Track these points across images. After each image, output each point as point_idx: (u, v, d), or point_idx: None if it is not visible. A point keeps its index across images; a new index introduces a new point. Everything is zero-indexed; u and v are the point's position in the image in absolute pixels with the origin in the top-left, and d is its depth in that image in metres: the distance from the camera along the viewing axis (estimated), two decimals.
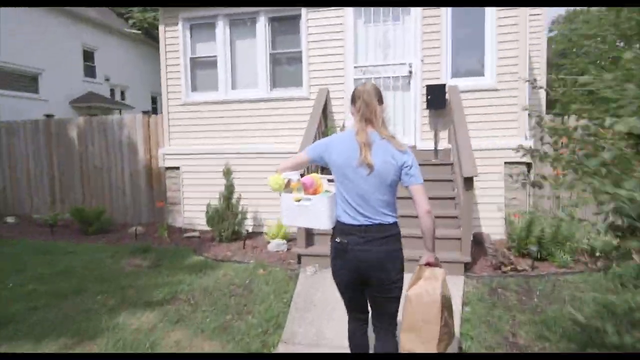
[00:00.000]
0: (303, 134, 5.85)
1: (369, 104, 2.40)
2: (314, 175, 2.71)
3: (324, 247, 5.26)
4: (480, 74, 6.44)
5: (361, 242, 2.34)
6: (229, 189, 6.46)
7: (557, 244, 5.09)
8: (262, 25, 6.97)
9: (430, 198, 2.42)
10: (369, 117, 2.40)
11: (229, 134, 7.20)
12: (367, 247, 2.33)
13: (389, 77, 6.59)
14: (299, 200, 2.57)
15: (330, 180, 2.61)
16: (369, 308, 2.58)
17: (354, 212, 2.37)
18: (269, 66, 7.06)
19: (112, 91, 19.67)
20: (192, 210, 7.39)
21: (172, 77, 7.40)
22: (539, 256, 5.05)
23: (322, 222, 2.48)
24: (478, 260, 5.17)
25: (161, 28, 7.37)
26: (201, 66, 7.47)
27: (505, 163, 6.28)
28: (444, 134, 6.49)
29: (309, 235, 5.36)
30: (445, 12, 6.32)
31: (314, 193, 2.59)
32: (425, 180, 2.47)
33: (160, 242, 6.59)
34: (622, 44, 2.75)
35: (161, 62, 7.43)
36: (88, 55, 18.01)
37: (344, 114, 6.74)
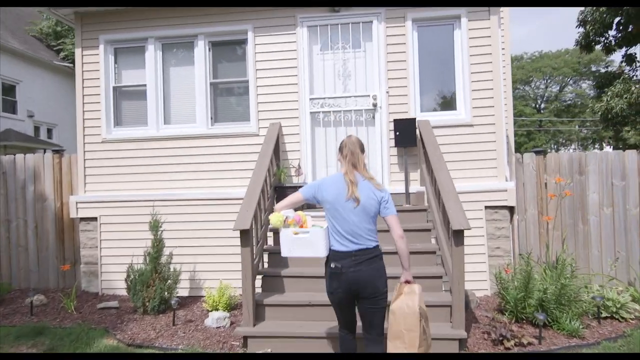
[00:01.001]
0: (250, 176, 4.75)
1: (353, 152, 2.95)
2: (299, 212, 3.05)
3: (278, 323, 4.07)
4: (452, 107, 5.73)
5: (353, 264, 2.81)
6: (157, 246, 5.15)
7: (561, 305, 4.23)
8: (201, 50, 5.94)
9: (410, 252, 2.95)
10: (354, 163, 2.94)
11: (160, 177, 5.95)
12: (358, 267, 2.80)
13: (350, 111, 5.72)
14: (297, 234, 2.93)
15: (313, 217, 3.08)
16: (358, 321, 3.00)
17: (345, 240, 2.84)
18: (209, 97, 5.99)
19: (36, 129, 17.65)
20: (113, 271, 5.94)
21: (91, 109, 6.12)
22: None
23: (319, 251, 2.89)
24: (469, 329, 4.20)
25: (78, 52, 6.14)
26: (128, 97, 6.27)
27: (486, 208, 5.48)
28: (414, 175, 5.63)
29: (259, 306, 4.16)
30: (412, 37, 5.62)
31: (301, 227, 2.97)
32: None
33: (65, 318, 5.09)
34: None
35: (77, 91, 6.14)
36: (8, 89, 16.08)
37: (299, 152, 5.75)
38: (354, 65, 5.81)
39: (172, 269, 5.26)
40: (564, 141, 41.81)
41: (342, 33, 5.77)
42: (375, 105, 5.64)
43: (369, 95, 5.68)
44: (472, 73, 5.54)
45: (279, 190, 5.31)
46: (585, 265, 5.44)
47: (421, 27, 5.68)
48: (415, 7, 5.57)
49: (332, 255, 2.89)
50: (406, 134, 5.41)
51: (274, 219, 2.92)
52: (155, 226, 5.19)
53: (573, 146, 42.00)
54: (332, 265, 2.85)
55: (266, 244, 4.91)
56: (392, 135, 5.56)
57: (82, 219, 6.11)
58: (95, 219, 6.05)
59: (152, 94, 6.03)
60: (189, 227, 5.81)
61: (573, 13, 65.88)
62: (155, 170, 5.96)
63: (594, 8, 10.88)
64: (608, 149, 32.56)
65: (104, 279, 6.02)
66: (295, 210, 3.02)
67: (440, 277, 4.31)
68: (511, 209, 5.52)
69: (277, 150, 5.56)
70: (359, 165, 2.93)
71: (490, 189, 5.45)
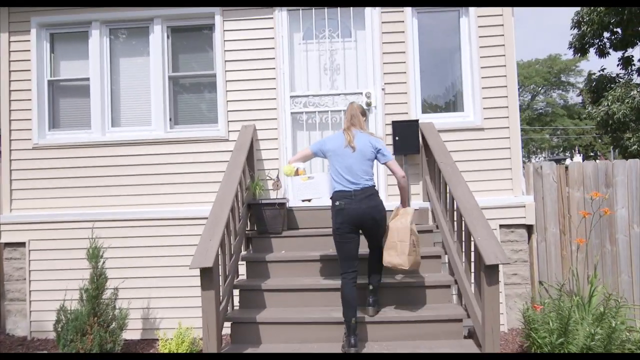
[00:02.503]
0: (217, 189, 3.73)
1: (353, 115, 3.50)
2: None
3: None
4: (459, 107, 4.87)
5: (354, 202, 3.22)
6: (97, 280, 4.03)
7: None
8: (158, 37, 4.89)
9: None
10: (353, 122, 3.47)
11: (106, 191, 4.84)
12: (358, 204, 3.22)
13: (339, 111, 4.78)
14: (305, 180, 3.49)
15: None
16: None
17: (345, 181, 3.28)
18: (168, 95, 4.94)
19: None
20: (45, 310, 4.75)
21: (19, 107, 4.96)
22: None
23: (323, 191, 3.46)
24: None
25: (4, 36, 4.98)
26: (67, 93, 5.14)
27: (501, 226, 4.62)
28: (416, 188, 4.72)
29: None
30: (411, 25, 4.74)
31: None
32: None
33: None
34: None
35: (2, 85, 4.96)
36: None
37: (277, 161, 4.75)
38: (343, 57, 4.88)
39: (117, 309, 4.15)
40: (534, 149, 42.28)
41: (329, 19, 4.84)
42: (369, 104, 4.72)
43: (361, 93, 4.76)
44: (482, 68, 4.71)
45: (254, 207, 4.30)
46: (613, 291, 4.63)
47: (422, 13, 4.82)
48: None
49: (336, 195, 3.30)
50: (407, 138, 4.52)
51: (286, 169, 3.55)
52: (94, 255, 4.07)
53: (543, 154, 42.52)
54: (337, 203, 3.27)
55: (237, 278, 3.88)
56: (389, 140, 4.65)
57: (6, 244, 4.90)
58: (23, 244, 4.86)
59: (96, 89, 4.92)
60: (142, 254, 4.72)
61: (541, 24, 67.57)
62: (99, 183, 4.84)
63: (592, 8, 10.41)
64: (578, 157, 32.90)
65: (34, 319, 4.82)
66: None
67: (460, 320, 3.38)
68: (529, 228, 4.68)
69: (251, 159, 4.55)
70: (358, 124, 3.47)
71: (506, 204, 4.60)
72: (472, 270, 3.42)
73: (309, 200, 3.57)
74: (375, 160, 3.42)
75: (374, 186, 3.35)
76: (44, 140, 4.94)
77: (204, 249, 2.98)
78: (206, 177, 4.75)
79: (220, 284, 3.33)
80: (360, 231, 3.35)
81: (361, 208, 3.20)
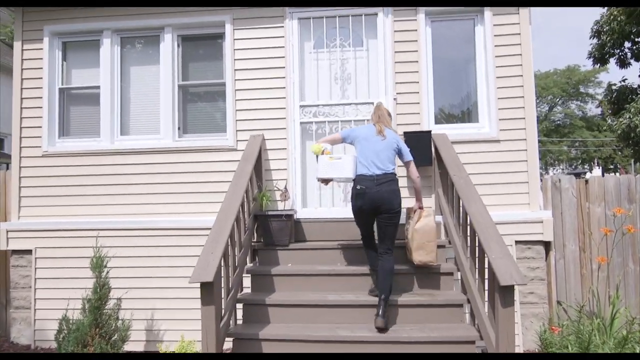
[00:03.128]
0: (223, 199, 3.65)
1: (381, 115, 3.72)
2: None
3: None
4: (473, 118, 4.72)
5: (374, 185, 3.40)
6: (100, 291, 3.96)
7: None
8: (168, 45, 4.87)
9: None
10: (382, 120, 3.68)
11: (113, 200, 4.80)
12: (378, 188, 3.39)
13: (349, 121, 4.67)
14: (332, 159, 3.62)
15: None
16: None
17: (372, 165, 3.46)
18: (177, 103, 4.90)
19: None
20: (49, 318, 4.70)
21: (30, 115, 4.97)
22: None
23: (348, 172, 3.55)
24: None
25: (17, 45, 5.02)
26: (78, 101, 5.15)
27: (517, 242, 4.43)
28: (428, 201, 4.56)
29: None
30: (424, 33, 4.63)
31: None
32: None
33: None
34: None
35: (14, 93, 4.99)
36: None
37: (286, 171, 4.66)
38: (354, 66, 4.79)
39: (120, 320, 4.07)
40: (552, 161, 41.50)
41: (340, 27, 4.76)
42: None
43: (372, 103, 4.63)
44: (497, 78, 4.56)
45: (261, 218, 4.20)
46: (637, 313, 4.39)
47: (436, 21, 4.71)
48: None
49: (358, 178, 3.48)
50: (419, 150, 4.36)
51: (314, 147, 3.72)
52: (98, 265, 4.00)
53: (561, 166, 41.74)
54: (358, 187, 3.45)
55: (241, 291, 3.77)
56: None
57: (13, 251, 4.89)
58: (29, 251, 4.84)
59: (106, 97, 4.91)
60: (147, 264, 4.65)
61: (559, 34, 66.82)
62: (107, 191, 4.80)
63: (612, 17, 10.14)
64: (597, 170, 32.12)
65: (39, 327, 4.78)
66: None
67: (473, 342, 3.21)
68: (546, 245, 4.48)
69: (259, 169, 4.47)
70: (386, 123, 3.68)
71: (522, 219, 4.42)
72: (486, 288, 3.25)
73: (326, 183, 3.75)
74: None
75: (395, 173, 3.53)
76: (53, 147, 4.94)
77: (205, 263, 2.88)
78: (214, 186, 4.67)
79: (223, 297, 3.22)
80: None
81: (380, 192, 3.38)
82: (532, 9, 4.61)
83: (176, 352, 3.90)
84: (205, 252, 2.98)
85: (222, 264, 3.19)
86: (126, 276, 4.56)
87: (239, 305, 3.66)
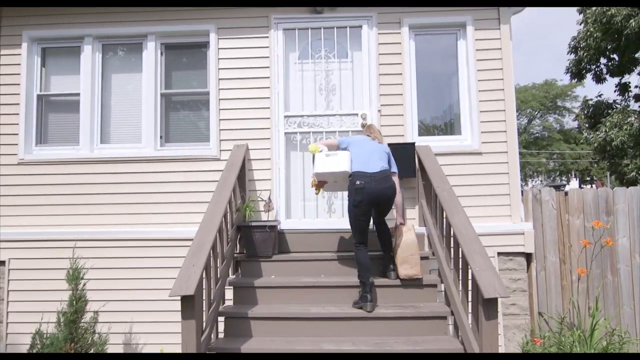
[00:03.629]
0: (205, 209, 3.59)
1: (374, 131, 3.99)
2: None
3: None
4: (456, 131, 4.78)
5: (372, 181, 3.56)
6: (76, 304, 3.84)
7: None
8: (151, 53, 4.81)
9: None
10: (374, 134, 3.94)
11: (91, 209, 4.68)
12: (375, 184, 3.56)
13: (334, 132, 4.68)
14: (327, 156, 3.77)
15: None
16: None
17: (367, 163, 3.63)
18: (160, 112, 4.83)
19: None
20: (23, 332, 4.52)
21: (6, 122, 4.83)
22: None
23: (344, 166, 3.67)
24: None
25: None
26: (56, 108, 5.02)
27: (499, 254, 4.48)
28: (411, 212, 4.59)
29: None
30: (408, 46, 4.69)
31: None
32: None
33: None
34: None
35: None
36: None
37: (270, 181, 4.62)
38: (339, 77, 4.81)
39: (96, 334, 3.95)
40: (531, 173, 42.35)
41: (325, 39, 4.78)
42: (364, 125, 4.61)
43: (356, 114, 4.67)
44: (480, 91, 4.64)
45: (244, 229, 4.14)
46: (616, 325, 4.46)
47: (420, 35, 4.77)
48: (413, 12, 4.68)
49: (356, 175, 3.60)
50: (403, 161, 4.38)
51: (312, 147, 3.87)
52: (74, 277, 3.89)
53: (540, 178, 42.62)
54: (357, 182, 3.56)
55: (223, 304, 3.69)
56: None
57: None
58: (3, 262, 4.67)
59: (86, 104, 4.81)
60: (126, 276, 4.53)
61: (535, 49, 68.70)
62: (84, 201, 4.68)
63: (588, 34, 10.46)
64: (575, 182, 32.89)
65: (10, 342, 4.59)
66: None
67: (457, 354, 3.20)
68: (528, 256, 4.54)
69: (243, 179, 4.42)
70: (378, 135, 3.93)
71: (504, 231, 4.47)
72: (470, 300, 3.25)
73: (322, 186, 3.90)
74: None
75: (389, 170, 3.72)
76: (30, 155, 4.80)
77: (186, 275, 2.81)
78: (196, 196, 4.60)
79: (204, 310, 3.15)
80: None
81: (378, 188, 3.55)
82: (513, 23, 4.72)
83: None
84: (187, 265, 2.92)
85: (204, 276, 3.12)
86: (104, 288, 4.44)
87: (221, 318, 3.59)
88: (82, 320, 3.89)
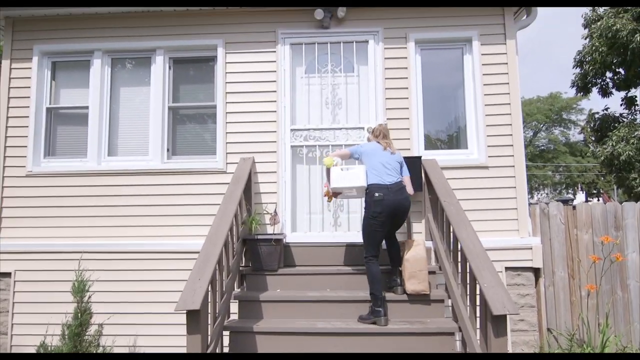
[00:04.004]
0: (212, 222, 3.58)
1: (385, 134, 3.95)
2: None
3: None
4: (462, 145, 4.78)
5: (389, 192, 3.61)
6: (81, 317, 3.82)
7: None
8: (159, 67, 4.86)
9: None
10: (385, 140, 3.90)
11: (98, 222, 4.69)
12: (394, 196, 3.61)
13: (340, 146, 4.68)
14: (343, 170, 3.79)
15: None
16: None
17: (384, 174, 3.67)
18: (167, 125, 4.87)
19: None
20: (27, 344, 4.52)
21: (16, 134, 4.88)
22: None
23: (361, 181, 3.71)
24: None
25: (5, 63, 4.96)
26: (65, 121, 5.07)
27: (507, 269, 4.43)
28: (418, 226, 4.57)
29: None
30: (414, 61, 4.72)
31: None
32: None
33: None
34: None
35: (0, 111, 4.91)
36: None
37: (275, 194, 4.63)
38: (345, 91, 4.83)
39: (101, 347, 3.93)
40: (537, 186, 42.11)
41: (331, 53, 4.82)
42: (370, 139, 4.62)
43: (362, 128, 4.68)
44: (486, 105, 4.64)
45: (250, 243, 4.13)
46: (627, 342, 4.39)
47: (425, 49, 4.80)
48: (419, 27, 4.71)
49: (373, 187, 3.64)
50: (410, 176, 4.38)
51: (327, 161, 3.86)
52: (80, 289, 3.88)
53: (546, 191, 42.36)
54: (376, 194, 3.59)
55: (228, 318, 3.67)
56: None
57: None
58: (9, 274, 4.68)
59: (94, 117, 4.85)
60: (131, 288, 4.53)
61: (540, 63, 68.87)
62: (91, 213, 4.70)
63: (594, 48, 10.49)
64: (581, 195, 32.64)
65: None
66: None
67: None
68: (536, 271, 4.49)
69: (249, 192, 4.43)
70: (389, 140, 3.93)
71: (511, 245, 4.43)
72: (477, 316, 3.21)
73: (335, 196, 3.95)
74: None
75: (402, 181, 3.76)
76: (38, 167, 4.84)
77: (192, 290, 2.80)
78: (202, 209, 4.61)
79: (209, 324, 3.13)
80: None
81: (397, 199, 3.60)
82: (519, 39, 4.74)
83: None
84: (192, 279, 2.91)
85: (210, 290, 3.11)
86: (109, 301, 4.43)
87: (226, 332, 3.55)
88: (87, 333, 3.87)
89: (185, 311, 2.72)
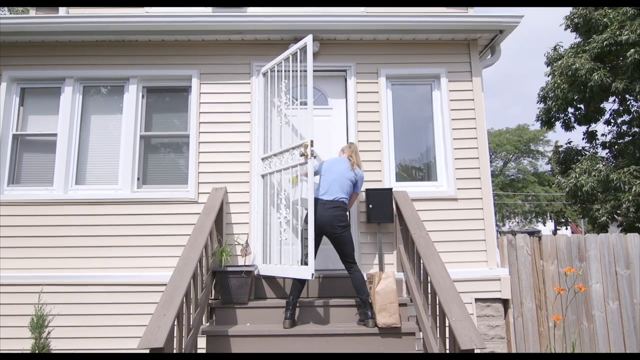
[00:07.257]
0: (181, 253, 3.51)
1: (354, 151, 4.20)
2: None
3: None
4: (432, 177, 4.89)
5: (321, 209, 3.84)
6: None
7: None
8: (132, 96, 4.84)
9: None
10: (350, 155, 4.16)
11: (64, 252, 4.53)
12: (323, 212, 3.83)
13: (294, 167, 4.69)
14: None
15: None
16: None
17: (325, 192, 3.91)
18: (138, 153, 4.81)
19: None
20: None
21: None
22: None
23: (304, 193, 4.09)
24: None
25: None
26: (32, 148, 4.95)
27: (476, 300, 4.48)
28: (389, 257, 4.60)
29: None
30: (386, 95, 4.86)
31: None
32: None
33: None
34: None
35: None
36: None
37: (247, 225, 4.59)
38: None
39: None
40: (508, 214, 43.10)
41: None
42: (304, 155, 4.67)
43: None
44: (454, 139, 4.79)
45: (219, 275, 4.06)
46: None
47: (396, 84, 4.96)
48: (389, 63, 4.88)
49: (315, 200, 3.87)
50: (381, 207, 4.45)
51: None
52: (39, 324, 3.71)
53: (517, 219, 43.34)
54: (309, 208, 3.79)
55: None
56: (363, 207, 4.58)
57: None
58: None
59: (63, 145, 4.76)
60: (95, 323, 4.34)
61: (514, 95, 71.81)
62: (55, 243, 4.54)
63: (556, 85, 11.07)
64: (550, 223, 33.55)
65: None
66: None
67: None
68: (505, 302, 4.56)
69: (220, 223, 4.38)
70: (355, 158, 4.13)
71: (481, 277, 4.50)
72: (447, 348, 3.22)
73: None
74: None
75: (345, 203, 3.93)
76: (1, 196, 4.67)
77: (156, 326, 2.71)
78: (173, 240, 4.52)
79: None
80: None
81: (324, 215, 3.79)
82: (495, 73, 4.96)
83: None
84: (157, 315, 2.82)
85: (176, 324, 3.02)
86: (71, 336, 4.25)
87: None
88: None
89: (148, 349, 2.63)
